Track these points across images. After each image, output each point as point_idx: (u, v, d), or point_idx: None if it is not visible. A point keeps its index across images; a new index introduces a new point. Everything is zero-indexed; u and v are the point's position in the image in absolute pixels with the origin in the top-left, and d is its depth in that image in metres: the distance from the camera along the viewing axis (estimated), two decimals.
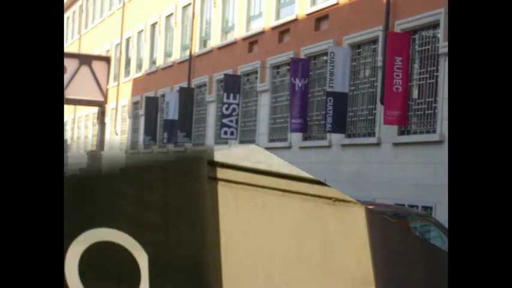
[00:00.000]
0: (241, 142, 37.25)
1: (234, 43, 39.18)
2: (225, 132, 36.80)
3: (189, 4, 45.22)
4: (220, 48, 40.65)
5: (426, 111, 25.42)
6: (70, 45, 71.36)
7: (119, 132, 55.98)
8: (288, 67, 33.08)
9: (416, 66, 25.91)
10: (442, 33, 24.50)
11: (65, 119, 64.85)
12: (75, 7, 72.51)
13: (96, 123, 61.96)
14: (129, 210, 4.55)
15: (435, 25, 25.04)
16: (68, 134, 69.66)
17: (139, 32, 53.52)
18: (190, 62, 44.05)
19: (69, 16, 74.98)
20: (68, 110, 64.19)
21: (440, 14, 24.50)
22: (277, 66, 34.94)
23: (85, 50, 64.40)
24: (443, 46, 24.29)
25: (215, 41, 41.39)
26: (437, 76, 24.76)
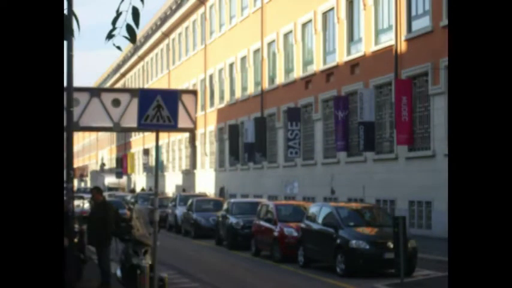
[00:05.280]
0: (304, 159, 38.53)
1: (294, 82, 40.19)
2: (291, 152, 37.90)
3: (258, 49, 46.03)
4: (284, 85, 41.60)
5: (424, 135, 27.65)
6: (160, 79, 70.72)
7: (208, 153, 55.68)
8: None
9: (416, 102, 27.94)
10: (430, 79, 26.73)
11: (160, 143, 64.16)
12: (163, 45, 71.43)
13: (188, 146, 61.54)
14: None
15: (426, 73, 27.19)
16: (163, 156, 69.14)
17: (220, 70, 53.80)
18: (262, 96, 44.97)
19: (158, 53, 73.72)
20: (163, 136, 63.48)
21: (428, 66, 26.75)
22: (326, 101, 36.28)
23: (174, 84, 63.86)
24: (432, 89, 26.62)
25: (280, 80, 42.41)
26: (429, 110, 27.11)
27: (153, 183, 42.52)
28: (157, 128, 13.30)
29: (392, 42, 29.46)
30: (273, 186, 41.81)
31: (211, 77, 56.32)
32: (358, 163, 32.49)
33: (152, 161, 69.40)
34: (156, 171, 14.11)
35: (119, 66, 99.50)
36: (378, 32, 31.21)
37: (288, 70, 41.22)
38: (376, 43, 31.16)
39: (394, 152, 29.53)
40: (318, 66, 36.73)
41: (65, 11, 5.17)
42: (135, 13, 5.18)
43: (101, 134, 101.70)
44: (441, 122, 25.95)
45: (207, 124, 56.50)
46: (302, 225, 21.64)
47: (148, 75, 77.51)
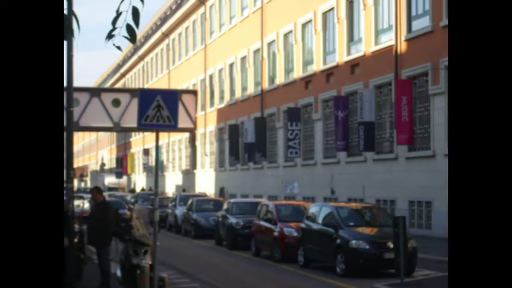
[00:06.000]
0: (304, 159, 38.48)
1: (294, 82, 40.21)
2: (291, 152, 37.80)
3: (258, 49, 46.05)
4: (284, 85, 41.59)
5: (424, 135, 27.69)
6: (160, 79, 70.67)
7: (208, 153, 55.68)
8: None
9: (417, 102, 27.98)
10: (430, 79, 26.77)
11: (160, 143, 63.87)
12: (163, 45, 71.37)
13: (188, 146, 61.49)
14: None
15: (426, 73, 27.22)
16: (163, 156, 69.08)
17: (220, 70, 53.64)
18: (262, 96, 45.03)
19: (158, 53, 73.61)
20: (163, 136, 63.26)
21: (428, 66, 26.75)
22: (326, 101, 36.29)
23: (174, 84, 63.81)
24: (432, 89, 26.64)
25: (280, 80, 42.41)
26: (429, 110, 27.13)
27: (153, 183, 42.47)
28: (157, 128, 13.30)
29: (392, 42, 29.53)
30: (273, 186, 41.80)
31: (211, 77, 56.27)
32: (358, 163, 32.51)
33: (152, 161, 69.37)
34: (156, 171, 14.11)
35: (119, 66, 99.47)
36: (378, 32, 31.24)
37: (288, 70, 41.23)
38: (376, 43, 31.19)
39: (394, 152, 29.59)
40: (318, 66, 36.74)
41: (65, 11, 5.17)
42: (135, 13, 5.19)
43: (101, 134, 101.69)
44: (441, 122, 25.98)
45: (207, 124, 56.49)
46: (302, 225, 21.64)
47: (148, 75, 77.45)
